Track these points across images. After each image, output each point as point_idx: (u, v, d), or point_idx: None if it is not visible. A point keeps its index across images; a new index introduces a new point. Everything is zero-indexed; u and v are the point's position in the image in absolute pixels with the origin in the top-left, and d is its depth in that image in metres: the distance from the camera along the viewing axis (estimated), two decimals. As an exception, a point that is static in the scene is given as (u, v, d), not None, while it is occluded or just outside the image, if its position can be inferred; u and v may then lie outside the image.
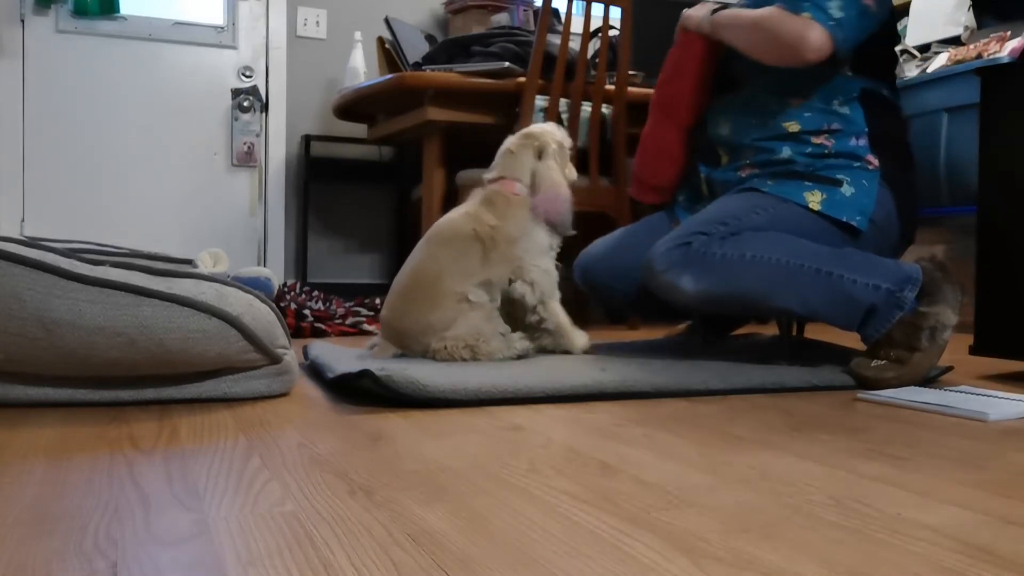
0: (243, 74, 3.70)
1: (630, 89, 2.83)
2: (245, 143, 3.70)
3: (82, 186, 3.48)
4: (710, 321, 2.15)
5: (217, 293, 1.29)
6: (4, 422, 1.16)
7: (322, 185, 3.75)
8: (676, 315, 2.13)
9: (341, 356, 1.67)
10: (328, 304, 2.74)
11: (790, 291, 1.62)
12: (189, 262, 1.91)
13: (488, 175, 1.88)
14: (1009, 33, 2.75)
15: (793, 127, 1.76)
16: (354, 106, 3.21)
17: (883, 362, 1.57)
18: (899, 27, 3.28)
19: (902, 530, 0.75)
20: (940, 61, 2.89)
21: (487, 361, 1.67)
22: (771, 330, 2.11)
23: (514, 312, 1.80)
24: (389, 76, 2.86)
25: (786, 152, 1.76)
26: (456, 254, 1.72)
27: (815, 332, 2.13)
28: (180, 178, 3.63)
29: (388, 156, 3.83)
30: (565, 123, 2.74)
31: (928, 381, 1.60)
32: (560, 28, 2.84)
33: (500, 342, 1.70)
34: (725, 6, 1.87)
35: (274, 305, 1.40)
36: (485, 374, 1.43)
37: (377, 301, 2.84)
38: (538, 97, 2.69)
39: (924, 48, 3.09)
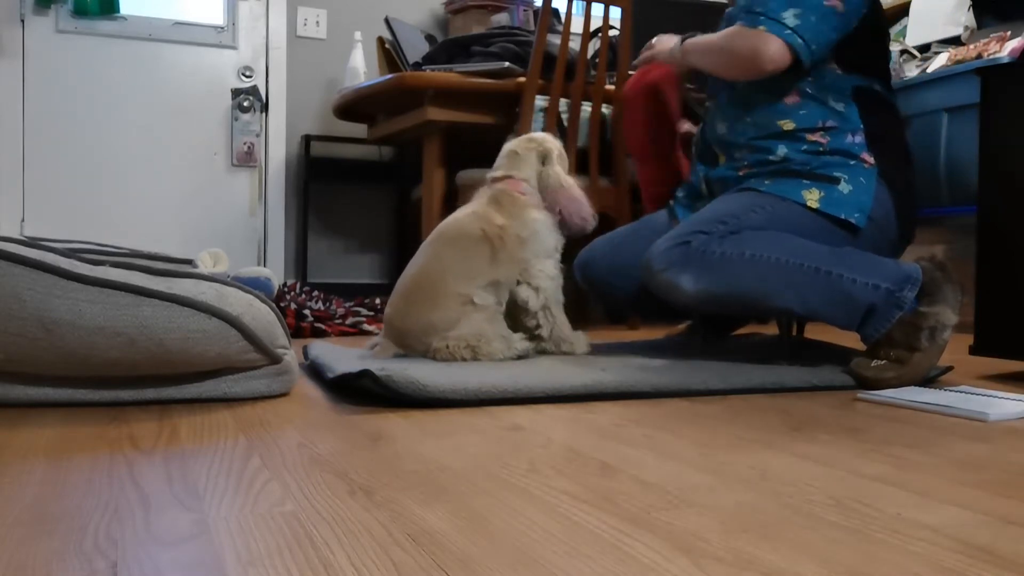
0: (243, 74, 3.70)
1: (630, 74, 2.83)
2: (245, 143, 3.70)
3: (82, 186, 3.48)
4: (710, 321, 2.15)
5: (217, 293, 1.29)
6: (4, 422, 1.16)
7: (322, 185, 3.75)
8: (676, 315, 2.13)
9: (341, 356, 1.67)
10: (328, 304, 2.74)
11: (789, 290, 1.62)
12: (189, 262, 1.91)
13: (493, 174, 1.88)
14: (1009, 33, 2.75)
15: (788, 125, 1.76)
16: (354, 106, 3.21)
17: (883, 362, 1.57)
18: (900, 27, 3.29)
19: (902, 530, 0.75)
20: (940, 61, 2.89)
21: (487, 361, 1.67)
22: (771, 330, 2.11)
23: (515, 314, 1.81)
24: (389, 76, 2.86)
25: (782, 150, 1.76)
26: (462, 255, 1.72)
27: (815, 332, 2.13)
28: (180, 178, 3.63)
29: (388, 156, 3.83)
30: (565, 123, 2.75)
31: (928, 381, 1.60)
32: (560, 28, 2.84)
33: (501, 343, 1.70)
34: (692, 35, 1.93)
35: (274, 305, 1.40)
36: (485, 374, 1.43)
37: (377, 301, 2.84)
38: (538, 97, 2.69)
39: (924, 48, 3.09)
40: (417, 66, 2.88)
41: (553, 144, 1.93)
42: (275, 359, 1.37)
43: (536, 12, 3.47)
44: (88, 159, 3.49)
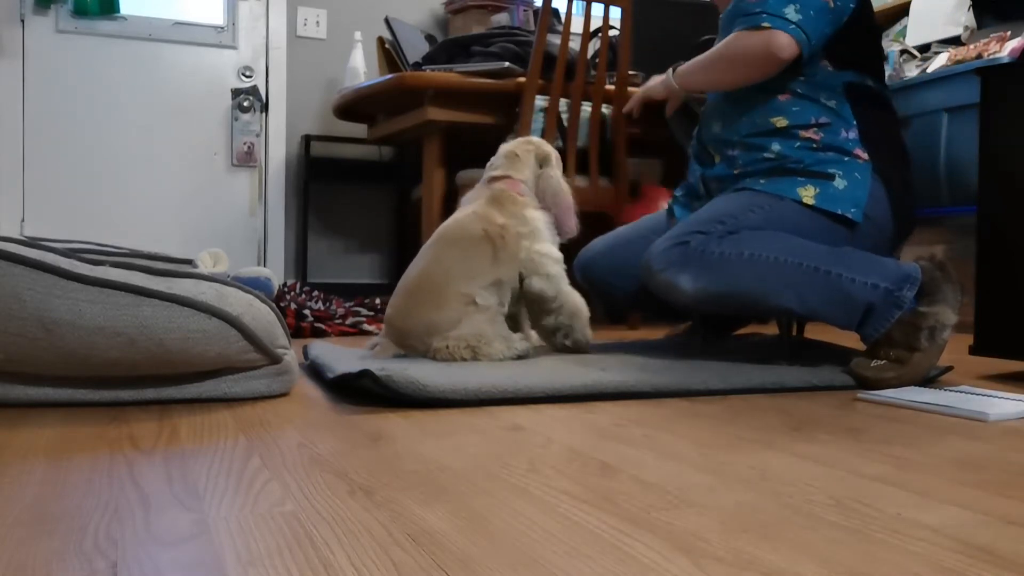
0: (243, 74, 3.70)
1: (630, 89, 2.83)
2: (245, 143, 3.70)
3: (82, 186, 3.48)
4: (710, 321, 2.15)
5: (217, 293, 1.29)
6: (4, 422, 1.16)
7: (322, 185, 3.75)
8: (676, 315, 2.13)
9: (341, 356, 1.67)
10: (328, 304, 2.74)
11: (789, 290, 1.62)
12: (189, 262, 1.91)
13: (491, 173, 1.89)
14: (1009, 33, 2.75)
15: (781, 122, 1.77)
16: (354, 106, 3.21)
17: (883, 362, 1.57)
18: (900, 27, 3.29)
19: (902, 530, 0.75)
20: (940, 61, 2.89)
21: (487, 361, 1.67)
22: (771, 330, 2.11)
23: (522, 312, 1.82)
24: (389, 76, 2.86)
25: (776, 147, 1.77)
26: (464, 255, 1.72)
27: (815, 332, 2.13)
28: (180, 178, 3.63)
29: (388, 156, 3.83)
30: (565, 123, 2.75)
31: (928, 381, 1.60)
32: (560, 28, 2.84)
33: (502, 343, 1.70)
34: (678, 64, 1.96)
35: (274, 305, 1.40)
36: (485, 374, 1.43)
37: (377, 301, 2.84)
38: (538, 97, 2.69)
39: (924, 48, 3.09)
40: (417, 66, 2.88)
41: (550, 148, 1.96)
42: (275, 359, 1.37)
43: (536, 12, 3.47)
44: (88, 159, 3.49)
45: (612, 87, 2.82)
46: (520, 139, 1.99)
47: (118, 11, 3.49)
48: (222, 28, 3.69)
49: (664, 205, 2.10)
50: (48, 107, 3.44)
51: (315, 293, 2.89)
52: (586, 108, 2.78)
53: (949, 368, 1.70)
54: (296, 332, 2.45)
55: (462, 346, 1.66)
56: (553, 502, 0.82)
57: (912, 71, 2.98)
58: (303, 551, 0.67)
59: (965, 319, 1.70)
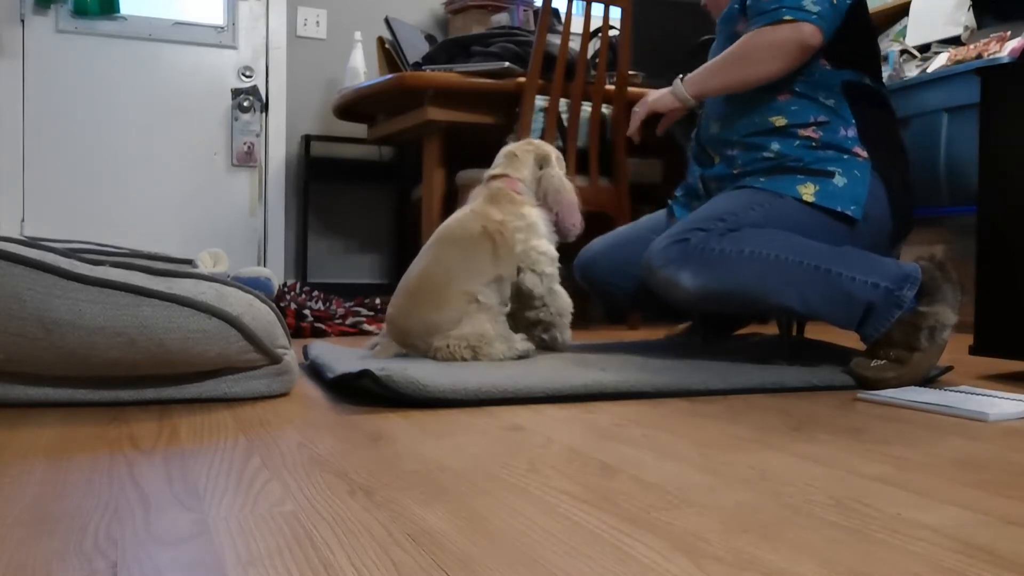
0: (243, 74, 3.70)
1: (630, 89, 2.83)
2: (245, 143, 3.70)
3: (82, 186, 3.48)
4: (710, 321, 2.15)
5: (217, 293, 1.29)
6: (4, 422, 1.16)
7: (322, 185, 3.75)
8: (676, 315, 2.13)
9: (341, 356, 1.67)
10: (328, 304, 2.74)
11: (789, 288, 1.62)
12: (189, 262, 1.91)
13: (490, 172, 1.90)
14: (1009, 33, 2.75)
15: (780, 121, 1.77)
16: (354, 106, 3.21)
17: (883, 362, 1.57)
18: (899, 27, 3.29)
19: (902, 530, 0.75)
20: (940, 61, 2.89)
21: (488, 361, 1.67)
22: (772, 330, 2.11)
23: (517, 305, 1.82)
24: (389, 76, 2.86)
25: (775, 146, 1.77)
26: (465, 253, 1.73)
27: (815, 332, 2.13)
28: (180, 178, 3.63)
29: (388, 156, 3.83)
30: (565, 123, 2.75)
31: (928, 381, 1.60)
32: (560, 28, 2.84)
33: (503, 343, 1.71)
34: (681, 76, 1.91)
35: (274, 305, 1.40)
36: (485, 374, 1.43)
37: (377, 301, 2.84)
38: (538, 97, 2.69)
39: (924, 48, 3.09)
40: (417, 66, 2.88)
41: (550, 148, 1.97)
42: (275, 359, 1.37)
43: (536, 12, 3.47)
44: (88, 159, 3.49)
45: (612, 87, 2.82)
46: (521, 140, 2.01)
47: (118, 11, 3.49)
48: (222, 28, 3.69)
49: None
50: (48, 107, 3.44)
51: (315, 293, 2.89)
52: (586, 108, 2.79)
53: (949, 368, 1.70)
54: (296, 332, 2.45)
55: (463, 346, 1.66)
56: (553, 502, 0.82)
57: (912, 71, 2.98)
58: (303, 551, 0.67)
59: (965, 319, 1.70)
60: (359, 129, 3.62)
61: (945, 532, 0.74)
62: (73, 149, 3.47)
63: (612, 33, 2.87)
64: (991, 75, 1.78)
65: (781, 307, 1.66)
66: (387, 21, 3.10)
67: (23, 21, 3.40)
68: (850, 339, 1.81)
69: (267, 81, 3.72)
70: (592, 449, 1.05)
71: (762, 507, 0.81)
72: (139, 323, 1.21)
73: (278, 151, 3.72)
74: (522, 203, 1.83)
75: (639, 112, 1.96)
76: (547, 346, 1.87)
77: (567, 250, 1.92)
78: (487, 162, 1.97)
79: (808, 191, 1.72)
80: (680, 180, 2.06)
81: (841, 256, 1.63)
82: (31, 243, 1.26)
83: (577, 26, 2.70)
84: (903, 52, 3.06)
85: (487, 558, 0.66)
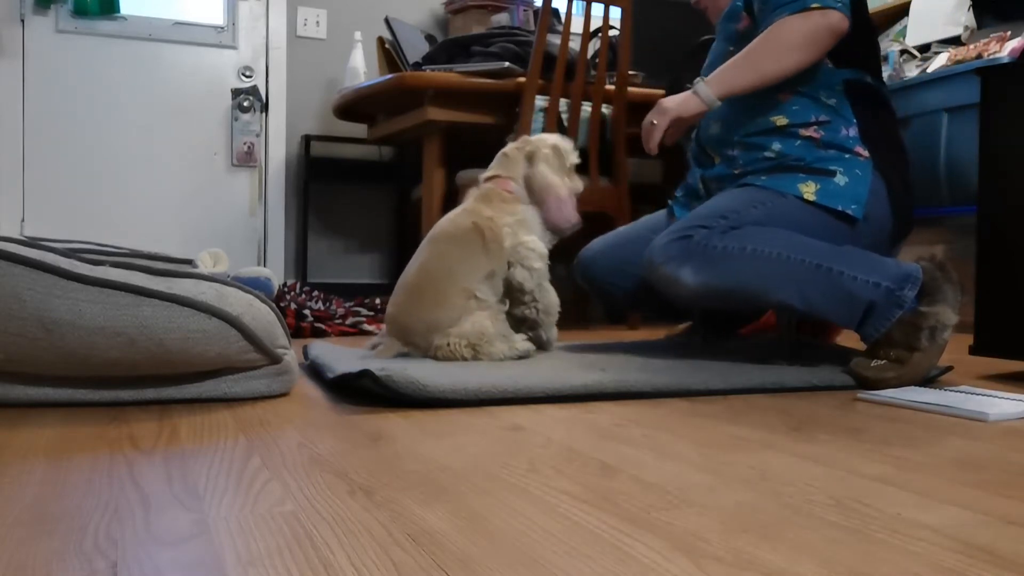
0: (243, 74, 3.70)
1: (630, 89, 2.83)
2: (245, 143, 3.70)
3: (82, 186, 3.48)
4: (710, 321, 2.15)
5: (217, 293, 1.29)
6: (4, 422, 1.16)
7: (322, 185, 3.75)
8: (676, 315, 2.13)
9: (341, 356, 1.67)
10: (328, 304, 2.74)
11: (790, 286, 1.62)
12: (189, 262, 1.91)
13: (484, 174, 1.92)
14: (1009, 33, 2.75)
15: (781, 121, 1.77)
16: (354, 106, 3.21)
17: (883, 362, 1.57)
18: (900, 27, 3.29)
19: (902, 530, 0.75)
20: (940, 61, 2.89)
21: (488, 361, 1.67)
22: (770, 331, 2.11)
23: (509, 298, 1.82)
24: (389, 76, 2.86)
25: (776, 146, 1.77)
26: (459, 250, 1.74)
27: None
28: (180, 178, 3.63)
29: (388, 156, 3.83)
30: (565, 123, 2.75)
31: (928, 381, 1.60)
32: (560, 28, 2.84)
33: (503, 343, 1.71)
34: (700, 79, 1.85)
35: (274, 305, 1.40)
36: (485, 374, 1.43)
37: (377, 301, 2.84)
38: (538, 97, 2.69)
39: (924, 48, 3.09)
40: (417, 66, 2.88)
41: (543, 143, 1.92)
42: (275, 359, 1.37)
43: (536, 12, 3.47)
44: (88, 159, 3.49)
45: (612, 87, 2.82)
46: (518, 140, 2.00)
47: (118, 11, 3.49)
48: (222, 28, 3.69)
49: None
50: (48, 107, 3.44)
51: (315, 293, 2.89)
52: (586, 108, 2.79)
53: (949, 368, 1.70)
54: (296, 332, 2.45)
55: (463, 344, 1.66)
56: (553, 502, 0.82)
57: (912, 71, 2.98)
58: (303, 551, 0.67)
59: (965, 319, 1.70)
60: (359, 129, 3.62)
61: (945, 532, 0.74)
62: (73, 149, 3.47)
63: (612, 33, 2.87)
64: (991, 75, 1.78)
65: (782, 305, 1.66)
66: (387, 21, 3.10)
67: (23, 21, 3.40)
68: (850, 339, 1.81)
69: (267, 81, 3.72)
70: (592, 449, 1.05)
71: (762, 507, 0.81)
72: (139, 323, 1.21)
73: (278, 151, 3.72)
74: (513, 201, 1.84)
75: (660, 123, 1.80)
76: (532, 343, 1.86)
77: (567, 250, 1.92)
78: (487, 162, 1.97)
79: (809, 190, 1.72)
80: (680, 180, 2.06)
81: (843, 255, 1.64)
82: (31, 243, 1.26)
83: (577, 26, 2.70)
84: (903, 52, 3.06)
85: (487, 558, 0.66)
